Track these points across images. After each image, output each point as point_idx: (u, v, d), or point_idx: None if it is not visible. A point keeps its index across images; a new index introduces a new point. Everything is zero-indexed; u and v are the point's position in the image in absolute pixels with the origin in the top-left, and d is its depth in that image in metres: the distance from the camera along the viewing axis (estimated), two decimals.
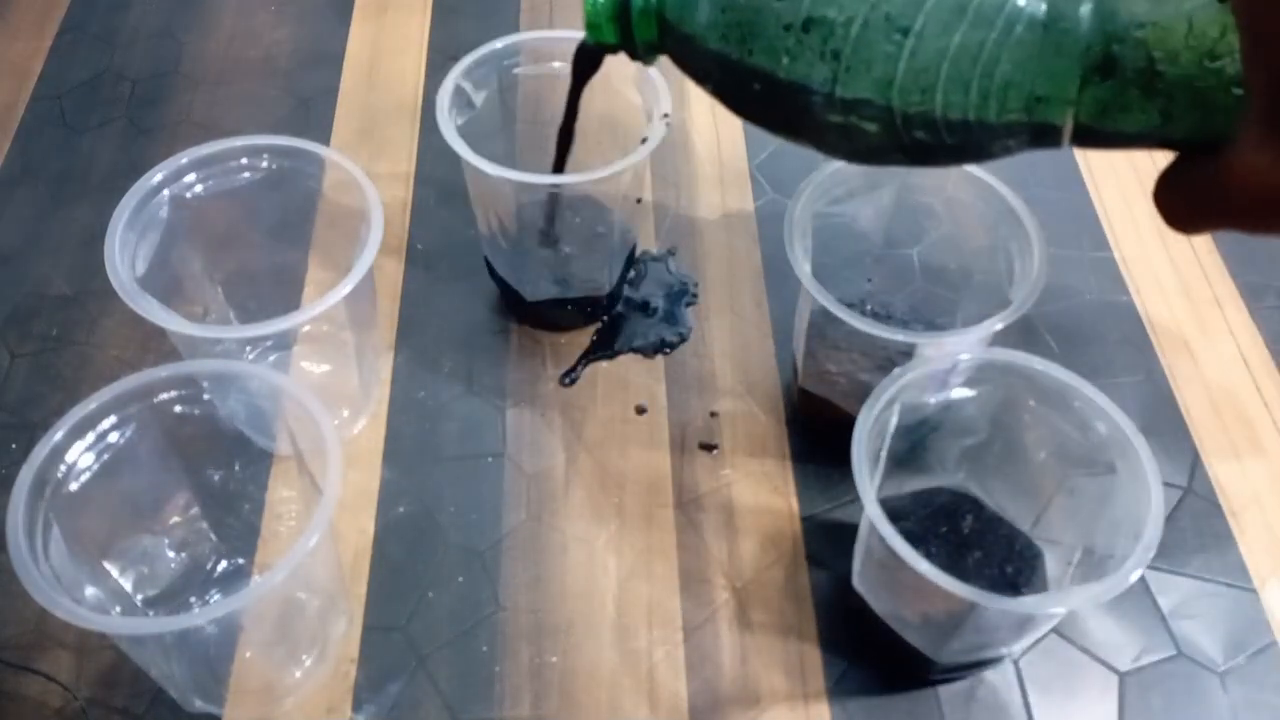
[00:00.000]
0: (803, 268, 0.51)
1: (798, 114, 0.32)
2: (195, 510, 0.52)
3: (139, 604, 0.49)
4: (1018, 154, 0.32)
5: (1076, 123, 0.29)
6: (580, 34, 0.43)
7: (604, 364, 0.61)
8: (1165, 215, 0.29)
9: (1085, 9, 0.27)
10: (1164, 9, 0.27)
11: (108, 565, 0.48)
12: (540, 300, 0.61)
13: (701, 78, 0.35)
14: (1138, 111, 0.28)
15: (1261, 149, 0.25)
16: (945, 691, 0.50)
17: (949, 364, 0.49)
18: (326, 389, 0.59)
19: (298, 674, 0.50)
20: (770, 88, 0.31)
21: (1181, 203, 0.28)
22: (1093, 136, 0.30)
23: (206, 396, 0.47)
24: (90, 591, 0.45)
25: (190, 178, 0.54)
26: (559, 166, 0.53)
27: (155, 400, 0.46)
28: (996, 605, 0.42)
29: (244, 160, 0.55)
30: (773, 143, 0.72)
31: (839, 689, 0.50)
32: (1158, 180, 0.29)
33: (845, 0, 0.29)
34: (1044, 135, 0.30)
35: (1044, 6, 0.28)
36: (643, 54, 0.38)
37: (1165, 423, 0.59)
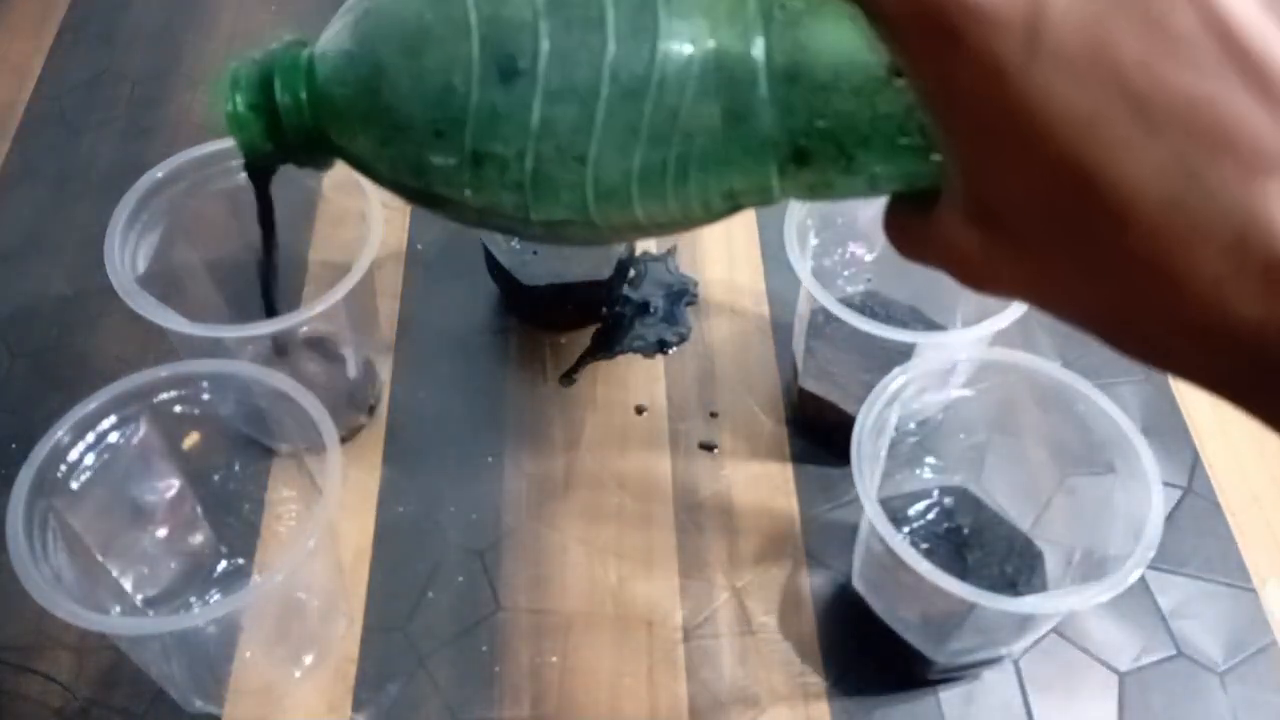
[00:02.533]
0: (803, 268, 0.51)
1: (501, 227, 0.30)
2: (195, 510, 0.52)
3: (139, 604, 0.49)
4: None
5: (785, 196, 0.28)
6: None
7: (604, 364, 0.61)
8: (894, 245, 0.27)
9: (763, 108, 0.25)
10: (842, 98, 0.25)
11: (108, 565, 0.48)
12: (539, 287, 0.60)
13: (386, 188, 0.31)
14: (842, 187, 0.27)
15: (964, 231, 0.22)
16: (945, 691, 0.50)
17: (949, 364, 0.49)
18: (326, 389, 0.59)
19: (298, 674, 0.50)
20: (463, 210, 0.29)
21: (904, 240, 0.26)
22: (805, 199, 0.28)
23: (206, 396, 0.47)
24: (90, 591, 0.45)
25: (190, 178, 0.54)
26: (270, 305, 0.43)
27: (155, 400, 0.46)
28: (996, 605, 0.42)
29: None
30: None
31: (839, 689, 0.50)
32: (886, 208, 0.27)
33: (510, 134, 0.26)
34: (762, 203, 0.29)
35: (719, 113, 0.26)
36: (315, 164, 0.33)
37: (1165, 423, 0.59)
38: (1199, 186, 0.18)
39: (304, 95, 0.30)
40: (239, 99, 0.31)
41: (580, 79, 0.25)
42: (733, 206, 0.28)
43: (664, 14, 0.25)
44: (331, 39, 0.30)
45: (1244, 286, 0.18)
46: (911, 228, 0.25)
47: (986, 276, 0.23)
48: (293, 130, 0.30)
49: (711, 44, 0.25)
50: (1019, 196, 0.20)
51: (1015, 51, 0.18)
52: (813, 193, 0.27)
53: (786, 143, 0.26)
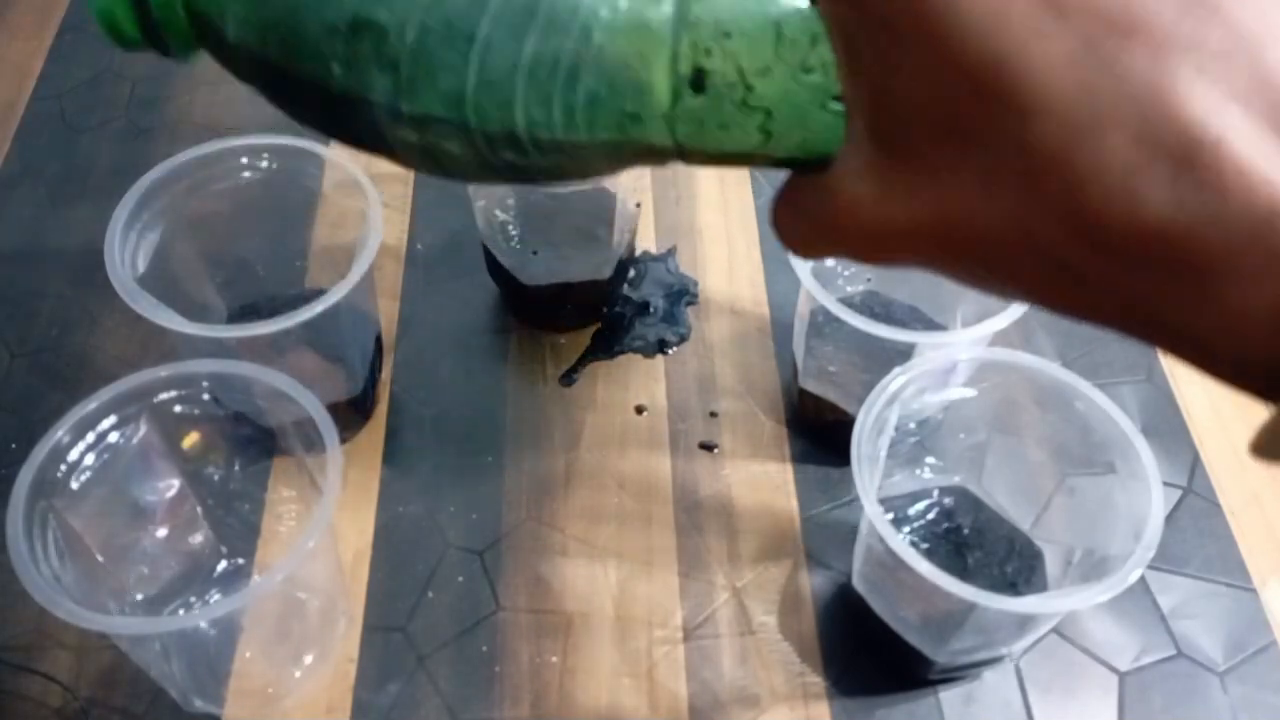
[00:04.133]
0: (803, 268, 0.51)
1: (367, 130, 0.27)
2: (195, 510, 0.52)
3: (139, 604, 0.49)
4: (632, 169, 0.28)
5: (676, 142, 0.26)
6: None
7: (604, 364, 0.61)
8: (783, 239, 0.25)
9: (667, 10, 0.24)
10: (750, 15, 0.24)
11: (108, 565, 0.48)
12: (540, 287, 0.60)
13: (249, 80, 0.29)
14: (737, 129, 0.25)
15: (863, 178, 0.21)
16: (945, 691, 0.50)
17: (949, 364, 0.49)
18: (326, 389, 0.59)
19: (298, 674, 0.50)
20: (328, 99, 0.27)
21: (795, 228, 0.25)
22: (700, 156, 0.26)
23: (206, 396, 0.47)
24: (90, 591, 0.45)
25: (190, 178, 0.54)
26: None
27: (155, 400, 0.46)
28: (996, 605, 0.42)
29: (244, 160, 0.55)
30: None
31: (839, 689, 0.50)
32: (774, 201, 0.26)
33: (398, 1, 0.24)
34: (645, 155, 0.26)
35: (623, 7, 0.24)
36: (174, 49, 0.31)
37: (1165, 423, 0.59)
38: (1109, 72, 0.17)
39: None
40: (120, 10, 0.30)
41: None
42: (619, 143, 0.26)
43: None
44: None
45: (1154, 175, 0.17)
46: (808, 206, 0.24)
47: (883, 233, 0.22)
48: (161, 8, 0.29)
49: None
50: (923, 101, 0.20)
51: None
52: (703, 137, 0.25)
53: (687, 58, 0.24)
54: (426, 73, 0.25)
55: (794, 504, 0.56)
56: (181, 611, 0.50)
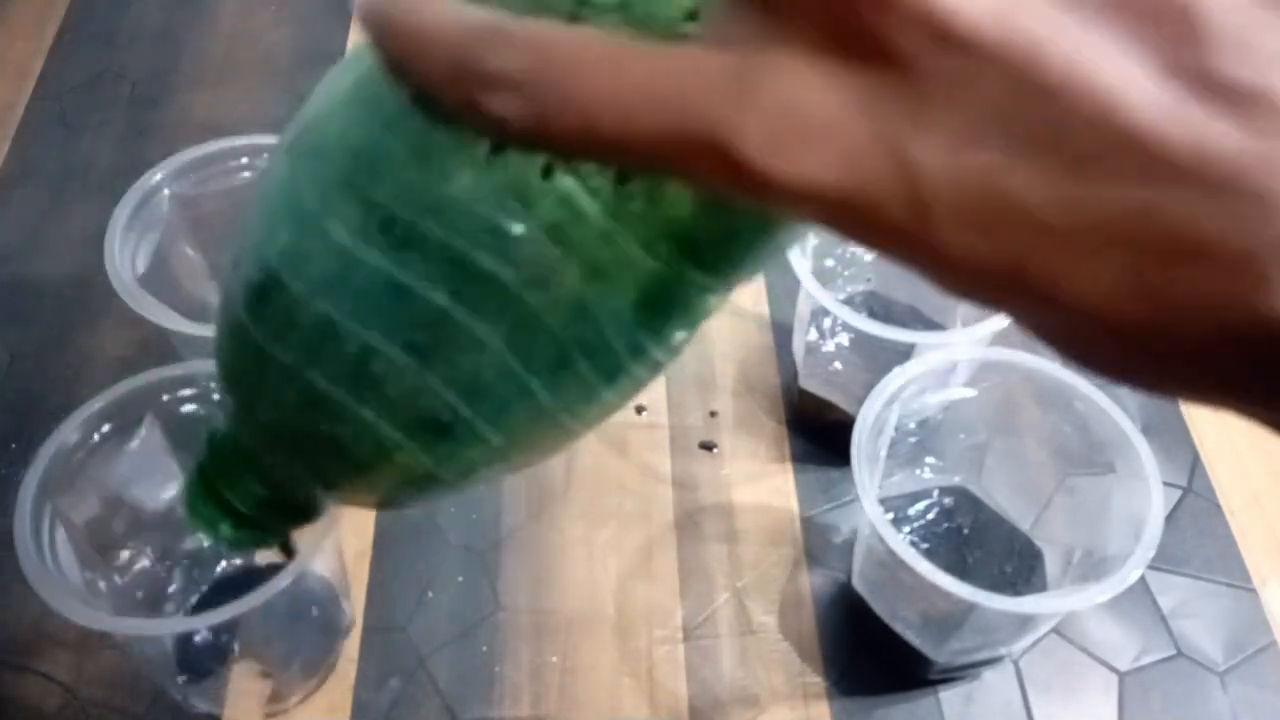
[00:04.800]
0: (803, 268, 0.51)
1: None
2: None
3: (141, 604, 0.49)
4: None
5: None
6: None
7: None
8: None
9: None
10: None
11: (111, 565, 0.48)
12: None
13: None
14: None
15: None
16: (945, 691, 0.50)
17: (949, 364, 0.49)
18: None
19: (298, 673, 0.50)
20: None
21: None
22: None
23: (211, 397, 0.47)
24: (94, 592, 0.45)
25: (190, 178, 0.54)
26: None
27: (158, 400, 0.46)
28: (996, 605, 0.42)
29: (244, 160, 0.55)
30: None
31: (839, 689, 0.50)
32: None
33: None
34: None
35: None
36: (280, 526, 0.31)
37: (1165, 423, 0.59)
38: (1170, 297, 0.15)
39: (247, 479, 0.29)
40: (223, 528, 0.30)
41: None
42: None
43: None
44: (221, 414, 0.29)
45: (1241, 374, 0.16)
46: None
47: None
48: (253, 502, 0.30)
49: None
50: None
51: (909, 223, 0.16)
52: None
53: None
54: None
55: (794, 504, 0.56)
56: (182, 612, 0.50)
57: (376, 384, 0.24)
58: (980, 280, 0.16)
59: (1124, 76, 0.15)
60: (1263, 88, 0.14)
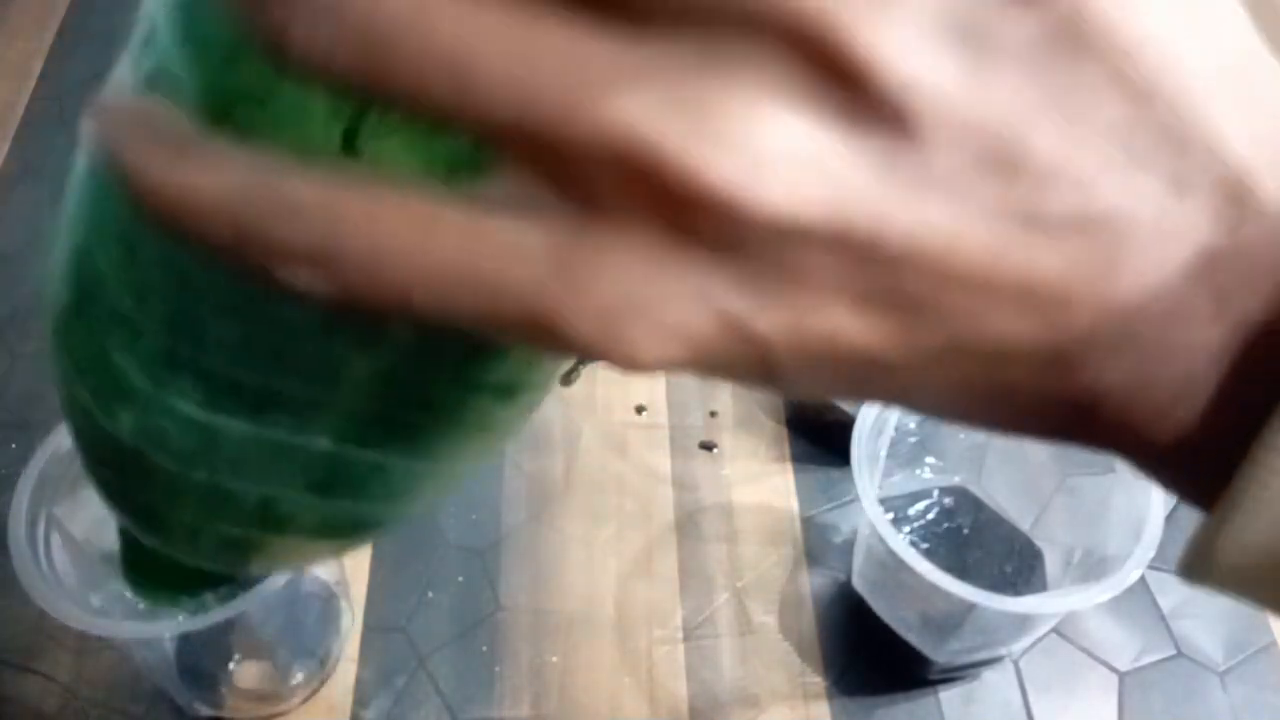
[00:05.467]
0: None
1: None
2: None
3: (140, 605, 0.49)
4: None
5: None
6: None
7: (604, 364, 0.61)
8: None
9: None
10: None
11: (108, 567, 0.48)
12: None
13: None
14: None
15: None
16: (945, 691, 0.50)
17: None
18: None
19: (298, 674, 0.50)
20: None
21: None
22: None
23: None
24: (91, 593, 0.45)
25: None
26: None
27: None
28: (996, 605, 0.42)
29: None
30: None
31: (839, 689, 0.50)
32: None
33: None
34: None
35: None
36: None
37: None
38: (1006, 393, 0.17)
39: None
40: (166, 597, 0.30)
41: None
42: None
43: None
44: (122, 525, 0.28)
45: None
46: None
47: None
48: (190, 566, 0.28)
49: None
50: None
51: (761, 377, 0.17)
52: None
53: None
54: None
55: (794, 504, 0.56)
56: (181, 613, 0.50)
57: (286, 520, 0.22)
58: (831, 399, 0.17)
59: (955, 231, 0.15)
60: (1072, 214, 0.16)
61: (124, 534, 0.29)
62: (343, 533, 0.24)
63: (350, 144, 0.18)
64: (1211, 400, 0.17)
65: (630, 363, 0.16)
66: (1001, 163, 0.15)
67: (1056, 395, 0.17)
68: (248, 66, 0.17)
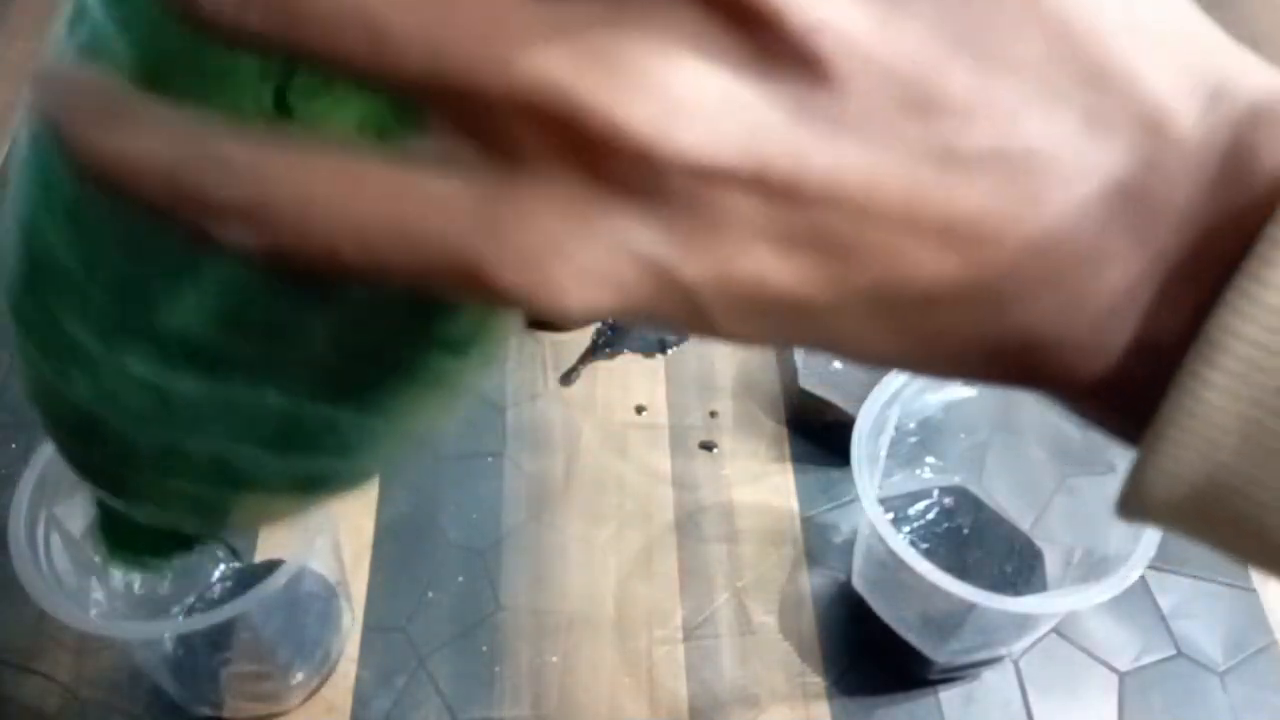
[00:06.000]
0: None
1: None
2: None
3: (140, 606, 0.49)
4: None
5: None
6: None
7: (604, 364, 0.61)
8: None
9: None
10: None
11: (108, 567, 0.48)
12: None
13: None
14: None
15: None
16: (945, 691, 0.50)
17: None
18: None
19: (298, 674, 0.50)
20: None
21: None
22: None
23: None
24: (91, 594, 0.45)
25: None
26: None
27: None
28: (996, 605, 0.42)
29: None
30: None
31: (839, 689, 0.50)
32: None
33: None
34: None
35: None
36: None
37: None
38: (931, 332, 0.18)
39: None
40: (143, 561, 0.30)
41: None
42: None
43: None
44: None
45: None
46: None
47: None
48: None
49: None
50: None
51: (692, 322, 0.17)
52: None
53: None
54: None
55: (794, 504, 0.56)
56: (181, 613, 0.50)
57: (244, 478, 0.23)
58: (766, 345, 0.17)
59: (873, 170, 0.16)
60: (989, 150, 0.16)
61: (98, 501, 0.29)
62: (302, 489, 0.24)
63: (281, 104, 0.18)
64: (1134, 335, 0.17)
65: (557, 309, 0.16)
66: (917, 102, 0.16)
67: (986, 337, 0.17)
68: (176, 32, 0.17)
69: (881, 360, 0.18)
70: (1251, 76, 0.17)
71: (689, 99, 0.15)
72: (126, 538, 0.29)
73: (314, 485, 0.24)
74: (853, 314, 0.17)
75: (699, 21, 0.15)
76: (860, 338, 0.18)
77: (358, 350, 0.21)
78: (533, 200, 0.15)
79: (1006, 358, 0.18)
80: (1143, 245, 0.16)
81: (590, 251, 0.16)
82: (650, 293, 0.16)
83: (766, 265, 0.16)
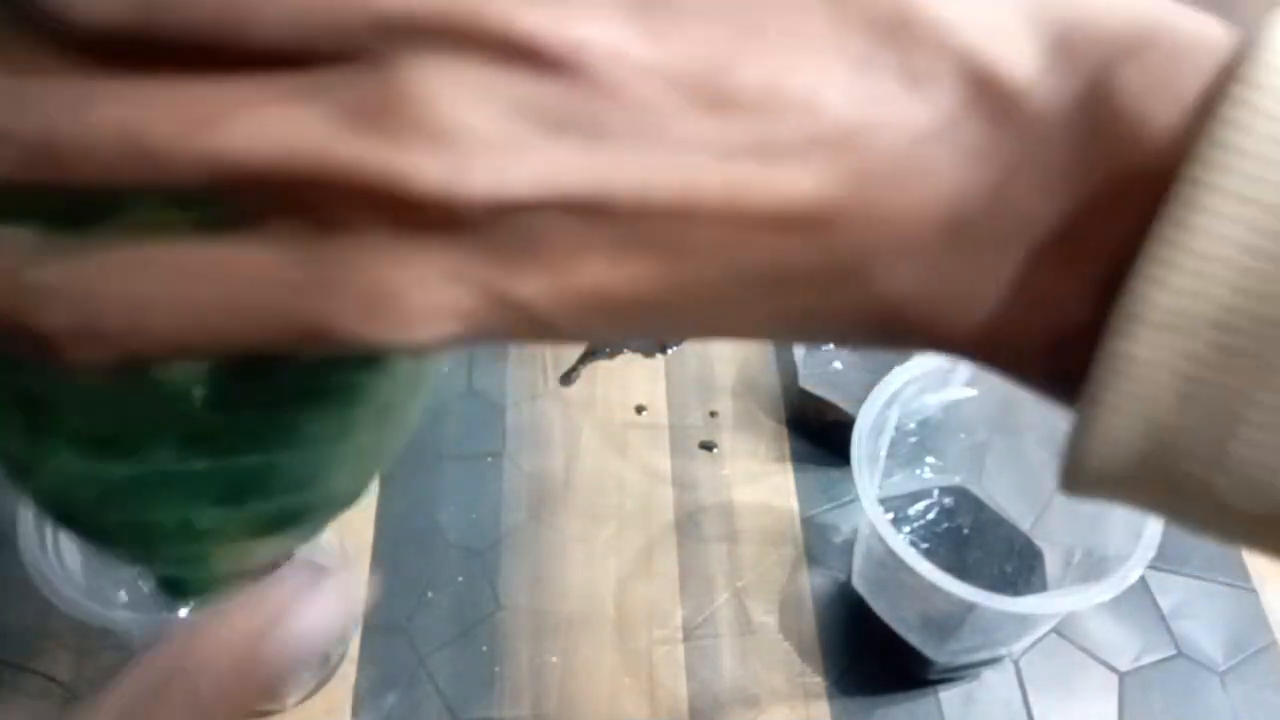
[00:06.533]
0: None
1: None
2: None
3: (144, 601, 0.49)
4: None
5: None
6: None
7: (604, 364, 0.61)
8: None
9: None
10: None
11: (112, 565, 0.48)
12: None
13: None
14: None
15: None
16: (945, 691, 0.50)
17: (949, 364, 0.49)
18: None
19: (298, 674, 0.50)
20: None
21: None
22: None
23: None
24: (97, 589, 0.45)
25: None
26: None
27: None
28: (996, 605, 0.42)
29: None
30: None
31: (839, 689, 0.50)
32: None
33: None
34: None
35: None
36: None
37: None
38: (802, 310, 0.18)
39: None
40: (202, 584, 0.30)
41: None
42: None
43: None
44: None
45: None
46: None
47: None
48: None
49: None
50: None
51: (541, 336, 0.17)
52: None
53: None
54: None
55: (794, 504, 0.56)
56: (181, 613, 0.50)
57: (216, 533, 0.23)
58: (637, 336, 0.17)
59: (686, 175, 0.16)
60: (803, 134, 0.16)
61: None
62: (281, 527, 0.24)
63: (103, 207, 0.17)
64: (1014, 287, 0.17)
65: (409, 345, 0.16)
66: (710, 100, 0.15)
67: (859, 308, 0.17)
68: None
69: (764, 339, 0.18)
70: (1107, 12, 0.16)
71: (471, 142, 0.15)
72: (163, 584, 0.30)
73: (292, 521, 0.24)
74: (710, 303, 0.17)
75: (464, 62, 0.15)
76: (726, 323, 0.18)
77: (253, 401, 0.21)
78: (355, 252, 0.16)
79: (888, 326, 0.17)
80: (999, 195, 0.16)
81: (423, 288, 0.16)
82: (492, 316, 0.16)
83: (601, 274, 0.16)
